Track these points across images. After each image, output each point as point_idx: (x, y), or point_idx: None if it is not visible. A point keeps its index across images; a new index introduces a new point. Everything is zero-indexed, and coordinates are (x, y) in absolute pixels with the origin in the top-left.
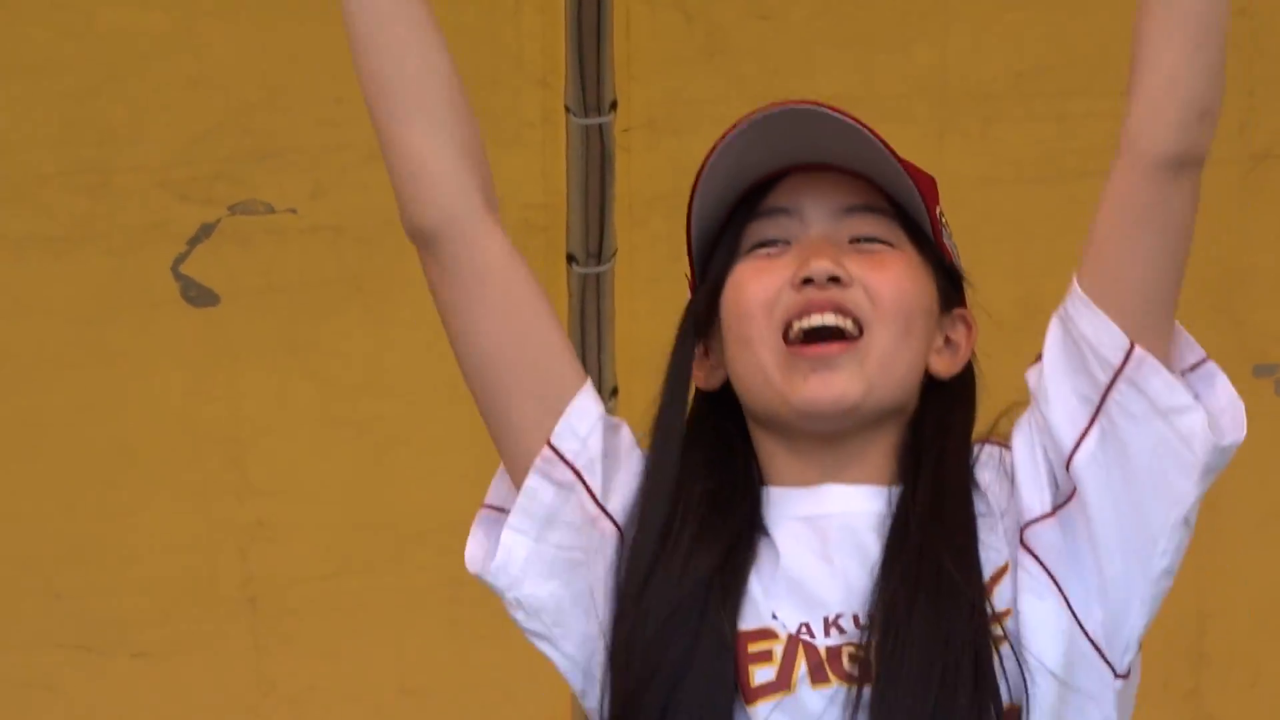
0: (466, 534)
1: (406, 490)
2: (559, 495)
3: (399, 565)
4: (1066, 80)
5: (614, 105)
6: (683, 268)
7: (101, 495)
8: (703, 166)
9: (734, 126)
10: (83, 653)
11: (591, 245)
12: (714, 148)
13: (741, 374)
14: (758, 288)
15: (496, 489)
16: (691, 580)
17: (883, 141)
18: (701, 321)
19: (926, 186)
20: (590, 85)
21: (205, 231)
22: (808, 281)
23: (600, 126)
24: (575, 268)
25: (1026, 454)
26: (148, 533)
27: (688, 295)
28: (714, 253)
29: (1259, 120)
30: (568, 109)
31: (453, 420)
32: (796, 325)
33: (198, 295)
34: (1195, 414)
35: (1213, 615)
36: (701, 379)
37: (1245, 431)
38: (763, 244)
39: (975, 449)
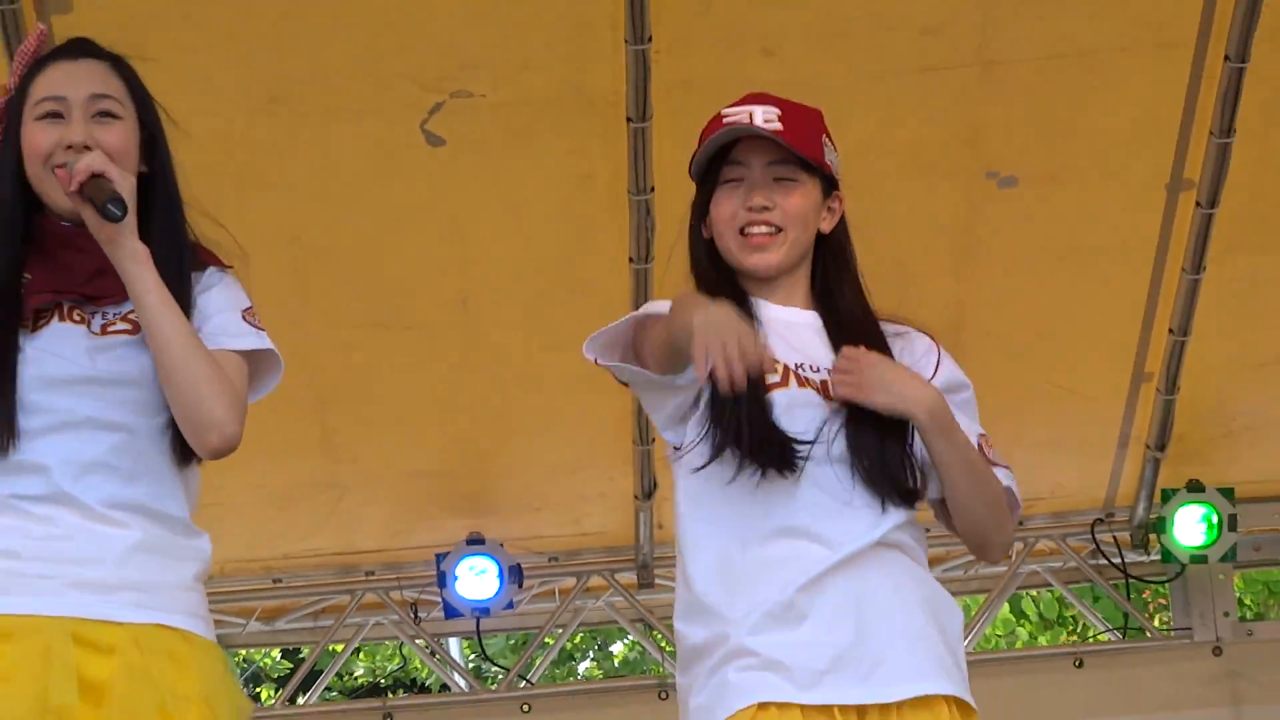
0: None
1: (565, 247)
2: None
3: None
4: None
5: None
6: None
7: (381, 242)
8: (700, 140)
9: (716, 118)
10: (373, 329)
11: None
12: (704, 134)
13: (721, 247)
14: (726, 207)
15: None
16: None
17: (792, 142)
18: (701, 213)
19: (816, 145)
20: None
21: (437, 107)
22: (752, 208)
23: None
24: None
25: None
26: (403, 258)
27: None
28: (705, 179)
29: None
30: None
31: (574, 211)
32: (747, 230)
33: (434, 141)
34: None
35: None
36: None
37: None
38: (729, 180)
39: (906, 330)
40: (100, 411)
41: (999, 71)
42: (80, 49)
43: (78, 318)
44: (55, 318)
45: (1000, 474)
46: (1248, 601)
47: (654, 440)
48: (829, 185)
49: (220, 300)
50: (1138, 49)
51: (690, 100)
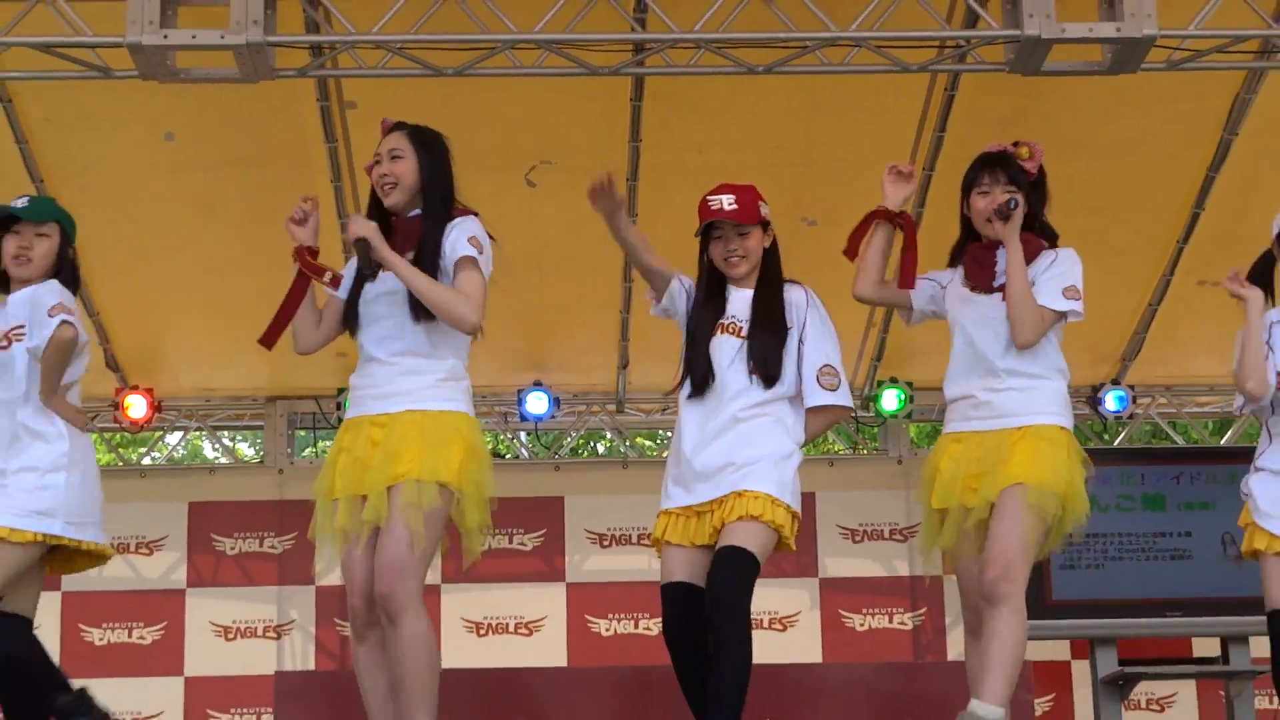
0: None
1: (590, 242)
2: (680, 291)
3: None
4: None
5: None
6: None
7: (503, 240)
8: (700, 215)
9: (705, 202)
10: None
11: None
12: (701, 210)
13: (716, 266)
14: (716, 250)
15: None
16: (708, 308)
17: (746, 218)
18: (705, 250)
19: (754, 209)
20: None
21: (533, 167)
22: (729, 250)
23: None
24: None
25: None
26: (514, 247)
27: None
28: (704, 237)
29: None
30: None
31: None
32: (727, 259)
33: (530, 184)
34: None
35: None
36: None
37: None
38: (715, 237)
39: (795, 286)
40: (388, 312)
41: (813, 167)
42: (391, 127)
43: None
44: (382, 268)
45: (829, 396)
46: (914, 437)
47: (629, 339)
48: (765, 225)
49: (457, 232)
50: (878, 157)
51: (659, 174)
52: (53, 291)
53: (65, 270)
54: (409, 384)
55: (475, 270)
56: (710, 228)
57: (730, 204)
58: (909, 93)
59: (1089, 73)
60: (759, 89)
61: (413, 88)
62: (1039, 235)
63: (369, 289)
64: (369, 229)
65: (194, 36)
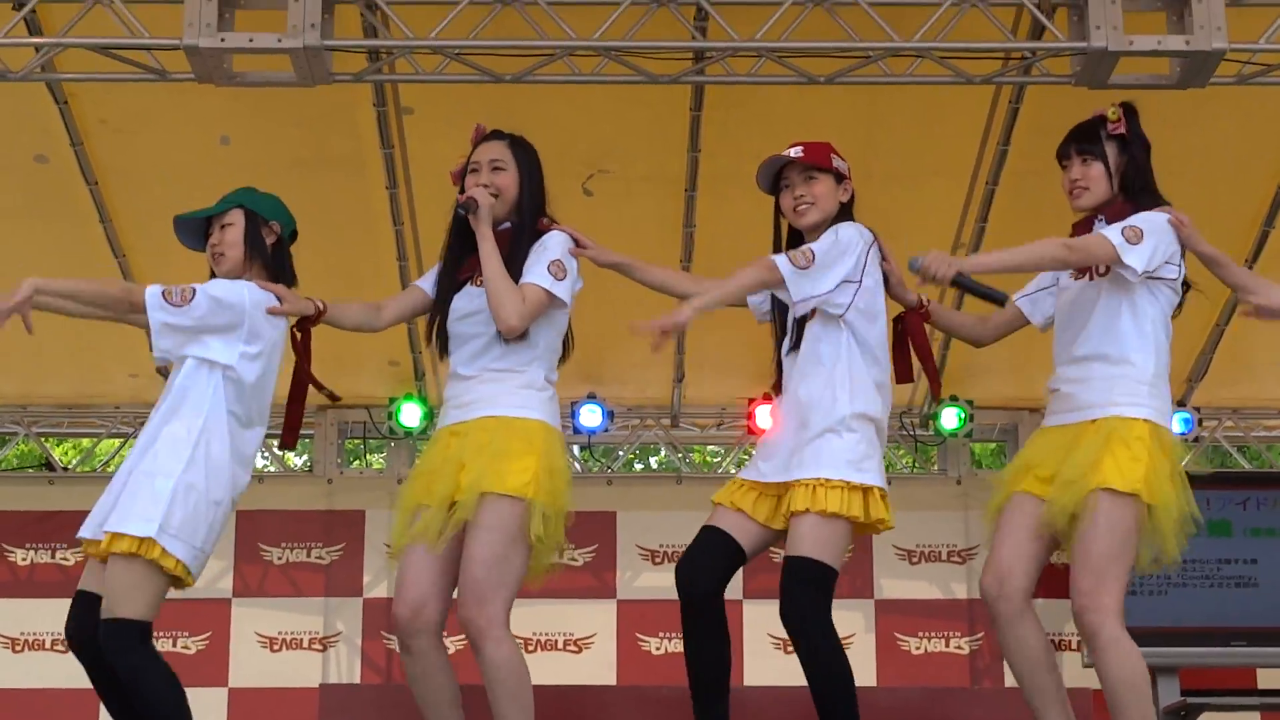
0: None
1: (650, 246)
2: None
3: None
4: None
5: None
6: None
7: None
8: (759, 170)
9: (767, 160)
10: None
11: None
12: (762, 164)
13: (787, 219)
14: (785, 200)
15: None
16: None
17: (814, 160)
18: (778, 207)
19: (825, 158)
20: None
21: (590, 176)
22: (797, 197)
23: None
24: None
25: None
26: None
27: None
28: (773, 189)
29: None
30: None
31: (655, 231)
32: (796, 208)
33: (588, 193)
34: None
35: None
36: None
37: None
38: (784, 187)
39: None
40: (475, 330)
41: (873, 179)
42: (492, 135)
43: (479, 281)
44: (469, 284)
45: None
46: (975, 457)
47: (684, 352)
48: (840, 177)
49: (538, 253)
50: (941, 169)
51: (718, 184)
52: (216, 282)
53: (257, 253)
54: (487, 391)
55: (540, 290)
56: (779, 182)
57: (796, 151)
58: (973, 105)
59: (1157, 86)
60: (820, 99)
61: (470, 94)
62: (1136, 202)
63: (456, 308)
64: (487, 202)
65: (251, 40)
